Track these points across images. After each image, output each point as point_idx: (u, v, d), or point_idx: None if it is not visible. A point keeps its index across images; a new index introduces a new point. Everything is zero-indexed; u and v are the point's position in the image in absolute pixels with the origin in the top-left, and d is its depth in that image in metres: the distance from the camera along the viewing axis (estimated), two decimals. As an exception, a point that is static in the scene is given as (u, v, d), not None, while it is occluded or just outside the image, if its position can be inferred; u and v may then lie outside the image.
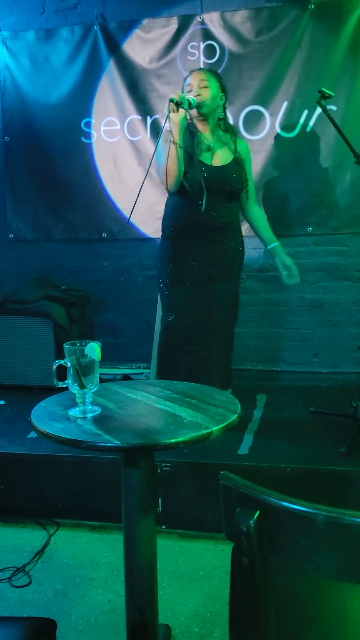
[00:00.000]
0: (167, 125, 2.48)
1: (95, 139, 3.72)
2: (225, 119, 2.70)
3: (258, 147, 3.51)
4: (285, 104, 3.45)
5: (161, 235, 2.76)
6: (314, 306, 3.63)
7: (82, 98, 3.69)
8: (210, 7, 3.48)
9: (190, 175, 2.53)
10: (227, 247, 2.67)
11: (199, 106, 2.53)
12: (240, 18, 3.44)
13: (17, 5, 3.74)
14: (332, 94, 2.47)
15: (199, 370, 2.80)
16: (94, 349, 1.40)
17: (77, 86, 3.69)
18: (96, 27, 3.61)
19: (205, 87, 2.55)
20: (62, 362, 1.43)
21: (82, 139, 3.73)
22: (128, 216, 2.80)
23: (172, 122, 2.44)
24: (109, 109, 3.67)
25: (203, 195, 2.51)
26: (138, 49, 3.57)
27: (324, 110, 2.48)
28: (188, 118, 2.53)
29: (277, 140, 3.50)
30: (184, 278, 2.66)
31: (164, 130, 2.56)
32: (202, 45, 3.50)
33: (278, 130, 3.49)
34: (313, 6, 3.33)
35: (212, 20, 3.47)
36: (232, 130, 2.72)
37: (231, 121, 3.53)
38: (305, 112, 3.43)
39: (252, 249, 3.65)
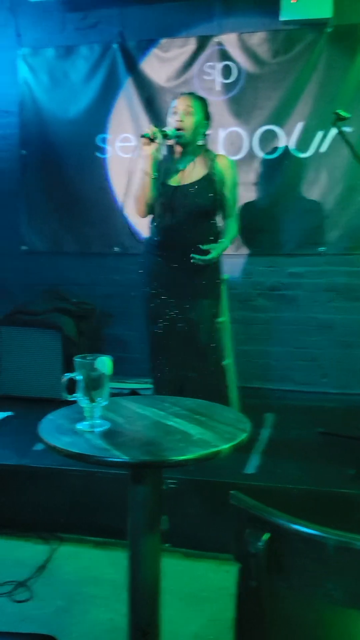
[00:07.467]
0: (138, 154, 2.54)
1: (110, 155, 3.75)
2: (204, 145, 2.65)
3: (272, 166, 3.53)
4: (300, 125, 3.47)
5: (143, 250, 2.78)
6: (324, 326, 3.62)
7: (98, 114, 3.73)
8: (228, 28, 3.52)
9: (156, 199, 2.58)
10: (199, 266, 2.58)
11: (177, 137, 2.53)
12: (257, 40, 3.48)
13: (38, 23, 3.81)
14: (349, 116, 2.48)
15: (188, 384, 2.78)
16: (104, 363, 1.39)
17: (94, 102, 3.74)
18: (115, 46, 3.67)
19: (190, 113, 2.54)
20: (72, 375, 1.43)
21: (97, 154, 3.77)
22: (140, 232, 2.82)
23: (144, 154, 2.49)
24: (125, 126, 3.72)
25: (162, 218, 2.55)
26: (156, 67, 3.62)
27: (340, 131, 2.50)
28: (164, 149, 2.58)
29: (291, 160, 3.51)
30: (164, 293, 2.66)
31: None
32: (218, 66, 3.54)
33: (292, 150, 3.51)
34: (330, 29, 3.36)
35: (230, 41, 3.51)
36: (209, 153, 2.67)
37: (246, 142, 3.56)
38: (320, 133, 3.45)
39: (263, 267, 3.65)
